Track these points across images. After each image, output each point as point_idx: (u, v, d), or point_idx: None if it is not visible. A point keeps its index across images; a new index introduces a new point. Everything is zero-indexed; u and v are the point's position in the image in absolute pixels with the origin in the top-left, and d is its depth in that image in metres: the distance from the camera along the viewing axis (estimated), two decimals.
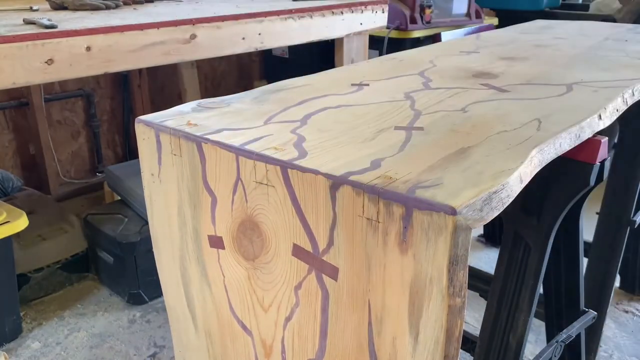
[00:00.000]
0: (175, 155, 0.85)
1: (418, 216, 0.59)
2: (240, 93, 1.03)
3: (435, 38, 2.97)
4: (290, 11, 1.93)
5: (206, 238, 0.86)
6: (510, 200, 0.66)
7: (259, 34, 1.85)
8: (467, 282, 0.61)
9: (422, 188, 0.61)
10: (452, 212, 0.56)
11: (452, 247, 0.58)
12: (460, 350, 0.70)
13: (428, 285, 0.60)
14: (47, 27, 1.40)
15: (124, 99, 2.93)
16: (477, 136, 0.78)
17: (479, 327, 1.18)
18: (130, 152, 3.02)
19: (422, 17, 2.90)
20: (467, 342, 1.34)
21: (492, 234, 2.44)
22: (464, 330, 0.66)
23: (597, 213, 1.69)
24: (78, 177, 2.84)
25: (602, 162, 0.98)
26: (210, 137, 0.79)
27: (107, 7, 1.86)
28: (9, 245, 1.78)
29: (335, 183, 0.65)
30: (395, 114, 0.89)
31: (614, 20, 3.13)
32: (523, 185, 0.69)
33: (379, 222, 0.62)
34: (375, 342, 0.69)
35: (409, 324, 0.64)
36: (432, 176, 0.64)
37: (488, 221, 0.62)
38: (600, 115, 0.90)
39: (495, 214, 0.63)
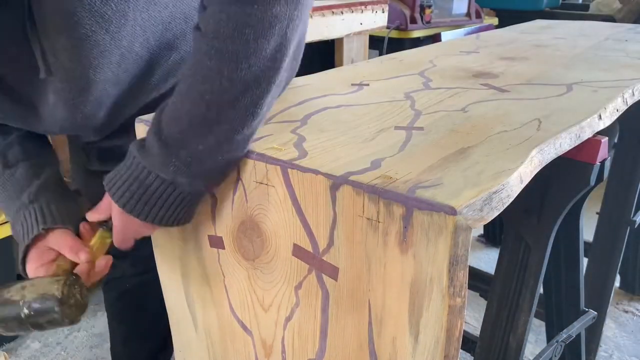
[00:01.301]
0: None
1: (418, 216, 0.59)
2: None
3: (435, 38, 2.97)
4: None
5: (206, 238, 0.86)
6: (511, 200, 0.66)
7: None
8: (467, 282, 0.61)
9: (422, 188, 0.61)
10: (452, 212, 0.56)
11: (453, 247, 0.57)
12: (461, 350, 0.70)
13: (428, 285, 0.60)
14: None
15: None
16: (477, 136, 0.78)
17: (479, 327, 1.18)
18: None
19: (422, 17, 2.90)
20: (467, 342, 1.34)
21: (492, 234, 2.44)
22: (464, 331, 0.66)
23: (597, 213, 1.70)
24: None
25: (602, 162, 0.98)
26: None
27: None
28: (9, 245, 1.78)
29: (336, 183, 0.65)
30: (396, 113, 0.89)
31: (614, 20, 3.13)
32: (523, 185, 0.69)
33: (379, 222, 0.62)
34: (375, 341, 0.69)
35: (409, 324, 0.64)
36: (432, 176, 0.64)
37: (488, 221, 0.62)
38: (600, 115, 0.90)
39: (496, 214, 0.63)
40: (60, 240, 0.82)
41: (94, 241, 0.84)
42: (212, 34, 0.63)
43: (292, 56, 0.69)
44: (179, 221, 0.76)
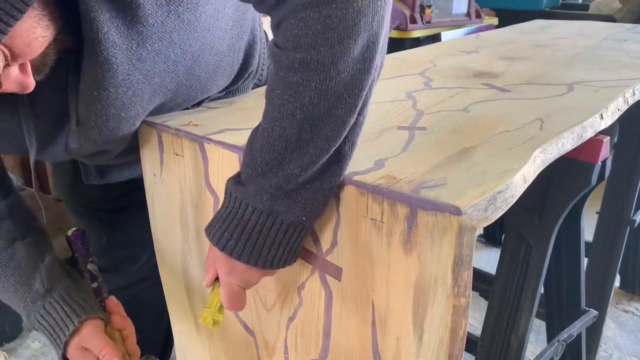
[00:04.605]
0: (177, 155, 0.85)
1: (423, 216, 0.59)
2: None
3: (435, 38, 2.97)
4: None
5: None
6: (515, 200, 0.66)
7: None
8: (471, 282, 0.61)
9: (426, 188, 0.61)
10: (457, 212, 0.56)
11: (457, 247, 0.57)
12: None
13: (432, 285, 0.60)
14: None
15: None
16: (479, 136, 0.78)
17: (480, 327, 1.18)
18: None
19: (422, 17, 2.90)
20: (469, 342, 1.33)
21: (493, 234, 2.44)
22: None
23: (597, 213, 1.70)
24: None
25: (604, 162, 0.98)
26: (213, 137, 0.79)
27: None
28: None
29: (339, 183, 0.65)
30: (398, 113, 0.89)
31: (614, 20, 3.13)
32: (527, 185, 0.69)
33: (383, 222, 0.62)
34: (379, 342, 0.69)
35: (413, 324, 0.64)
36: (436, 176, 0.64)
37: (492, 221, 0.62)
38: (602, 115, 0.90)
39: (500, 213, 0.63)
40: (93, 340, 0.85)
41: (212, 299, 0.76)
42: (292, 46, 0.58)
43: (381, 52, 0.62)
44: (284, 261, 0.68)
